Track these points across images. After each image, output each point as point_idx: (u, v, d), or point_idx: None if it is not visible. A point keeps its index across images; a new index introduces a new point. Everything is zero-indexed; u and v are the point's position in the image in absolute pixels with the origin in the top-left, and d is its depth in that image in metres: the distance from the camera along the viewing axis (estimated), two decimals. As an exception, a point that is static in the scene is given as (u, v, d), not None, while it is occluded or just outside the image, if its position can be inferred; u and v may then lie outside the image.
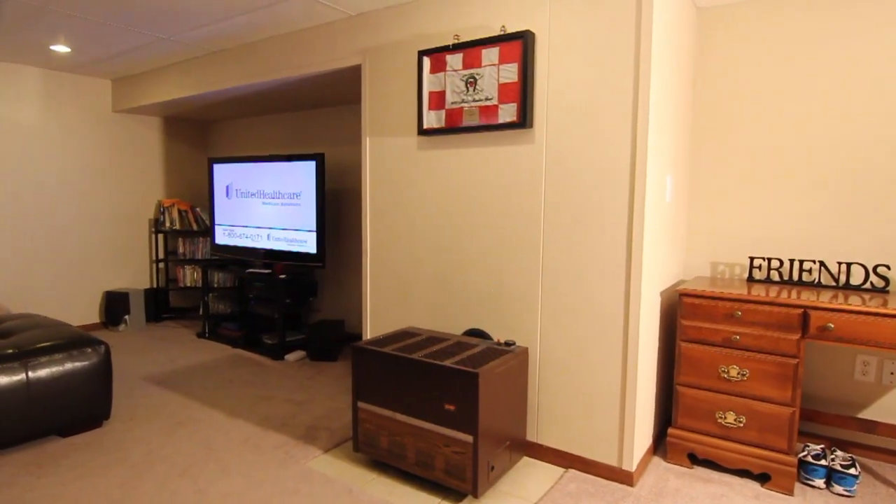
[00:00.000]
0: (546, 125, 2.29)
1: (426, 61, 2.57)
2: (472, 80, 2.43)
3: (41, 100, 4.27)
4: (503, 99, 2.35)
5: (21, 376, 2.36)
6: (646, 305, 2.19)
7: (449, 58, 2.50)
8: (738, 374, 2.22)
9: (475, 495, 2.02)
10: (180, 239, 5.05)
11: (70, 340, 2.59)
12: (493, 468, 2.10)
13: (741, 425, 2.23)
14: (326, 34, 3.03)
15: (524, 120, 2.29)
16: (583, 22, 2.17)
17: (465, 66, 2.45)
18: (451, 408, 2.03)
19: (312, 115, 4.58)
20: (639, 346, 2.14)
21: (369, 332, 2.96)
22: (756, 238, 2.61)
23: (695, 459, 2.39)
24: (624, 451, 2.20)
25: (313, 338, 3.89)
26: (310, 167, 3.88)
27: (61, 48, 3.63)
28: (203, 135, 5.49)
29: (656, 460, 2.43)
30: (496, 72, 2.36)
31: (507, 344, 2.31)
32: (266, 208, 4.19)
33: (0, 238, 4.11)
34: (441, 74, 2.53)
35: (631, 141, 2.10)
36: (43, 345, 2.50)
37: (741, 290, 2.26)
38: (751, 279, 2.55)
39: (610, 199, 2.16)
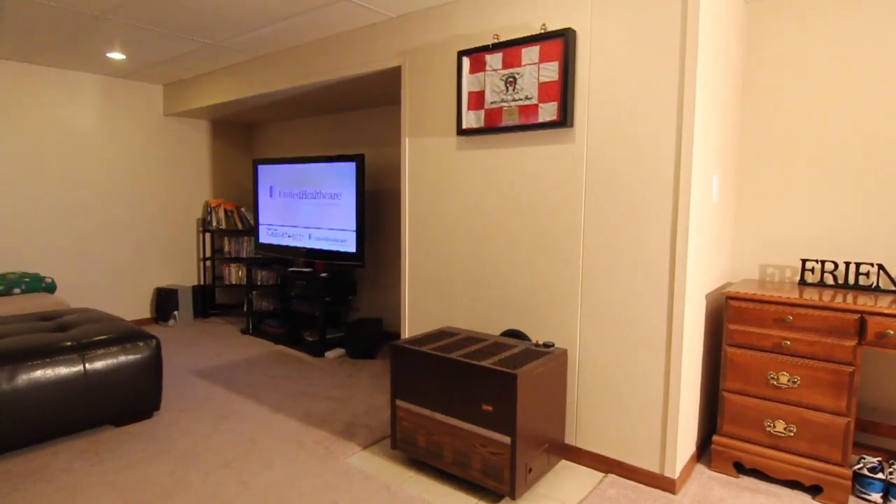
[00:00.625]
0: (587, 124, 2.26)
1: (465, 61, 2.57)
2: (511, 79, 2.42)
3: (98, 105, 4.49)
4: (543, 98, 2.33)
5: (79, 367, 2.49)
6: (690, 308, 2.13)
7: (488, 57, 2.49)
8: (789, 381, 2.13)
9: (512, 497, 2.01)
10: (226, 238, 5.22)
11: (124, 334, 2.71)
12: (530, 470, 2.08)
13: (791, 434, 2.14)
14: (367, 36, 3.07)
15: (565, 119, 2.27)
16: (626, 18, 2.13)
17: (505, 66, 2.44)
18: (489, 408, 2.03)
19: (352, 117, 4.65)
20: (682, 349, 2.08)
21: (407, 331, 2.99)
22: (808, 239, 2.50)
23: (741, 468, 2.31)
24: (666, 457, 2.14)
25: (352, 336, 3.95)
26: (350, 168, 3.95)
27: (117, 55, 3.80)
28: (248, 137, 5.65)
29: (700, 468, 2.36)
30: (536, 71, 2.34)
31: (546, 345, 2.29)
32: (307, 208, 4.28)
33: (60, 237, 4.34)
34: (480, 74, 2.52)
35: (676, 139, 2.04)
36: (99, 338, 2.63)
37: (792, 294, 2.17)
38: (802, 282, 2.44)
39: (653, 199, 2.11)
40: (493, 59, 2.48)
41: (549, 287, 2.41)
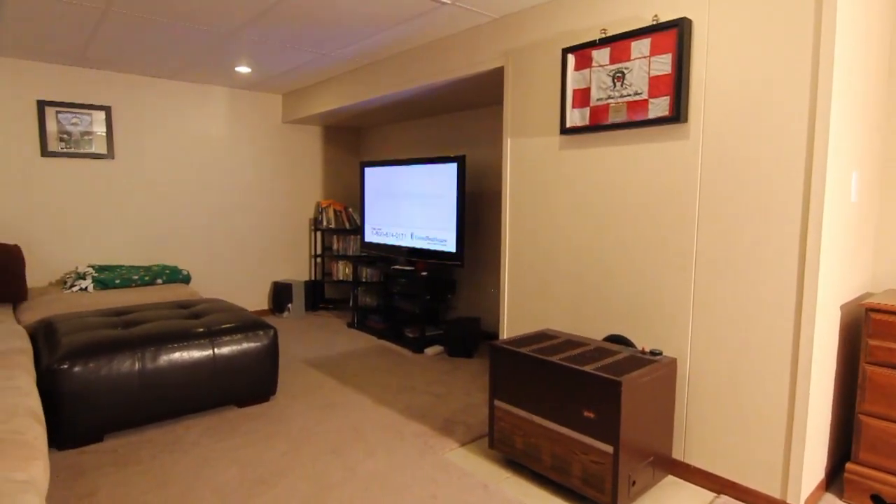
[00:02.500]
0: (702, 119, 2.12)
1: (570, 59, 2.51)
2: (619, 74, 2.33)
3: (226, 115, 4.96)
4: (654, 93, 2.22)
5: (209, 352, 2.77)
6: (821, 320, 1.92)
7: (595, 53, 2.42)
8: (947, 408, 1.85)
9: (614, 508, 1.94)
10: (335, 236, 5.53)
11: (247, 323, 2.97)
12: (634, 483, 1.99)
13: (949, 470, 1.86)
14: (469, 39, 3.10)
15: (678, 114, 2.14)
16: (749, 4, 1.97)
17: (613, 61, 2.35)
18: (591, 415, 1.97)
19: (453, 119, 4.73)
20: (811, 365, 1.89)
21: (506, 332, 2.99)
22: (975, 245, 2.16)
23: (879, 502, 2.04)
24: (790, 482, 1.95)
25: (451, 334, 4.02)
26: (451, 169, 4.02)
27: (244, 69, 4.17)
28: (356, 140, 5.95)
29: (830, 498, 2.12)
30: (647, 64, 2.23)
31: (653, 353, 2.18)
32: (410, 208, 4.41)
33: (194, 235, 4.85)
34: (586, 71, 2.46)
35: (807, 133, 1.85)
36: (226, 326, 2.90)
37: (953, 308, 1.89)
38: (966, 295, 2.11)
39: (780, 198, 1.93)
40: (600, 55, 2.40)
41: (658, 292, 2.29)
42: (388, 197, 4.65)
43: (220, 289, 5.06)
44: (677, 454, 2.27)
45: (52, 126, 4.07)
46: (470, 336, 4.00)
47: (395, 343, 4.37)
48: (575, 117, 2.52)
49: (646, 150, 2.30)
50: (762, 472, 2.03)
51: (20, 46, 3.61)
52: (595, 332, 2.54)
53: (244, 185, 5.12)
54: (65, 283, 3.92)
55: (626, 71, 2.30)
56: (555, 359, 2.11)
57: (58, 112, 4.09)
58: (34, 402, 1.88)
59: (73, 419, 2.42)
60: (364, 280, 5.11)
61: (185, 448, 2.49)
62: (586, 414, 1.99)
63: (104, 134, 4.29)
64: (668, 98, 2.17)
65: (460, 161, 3.95)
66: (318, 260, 5.67)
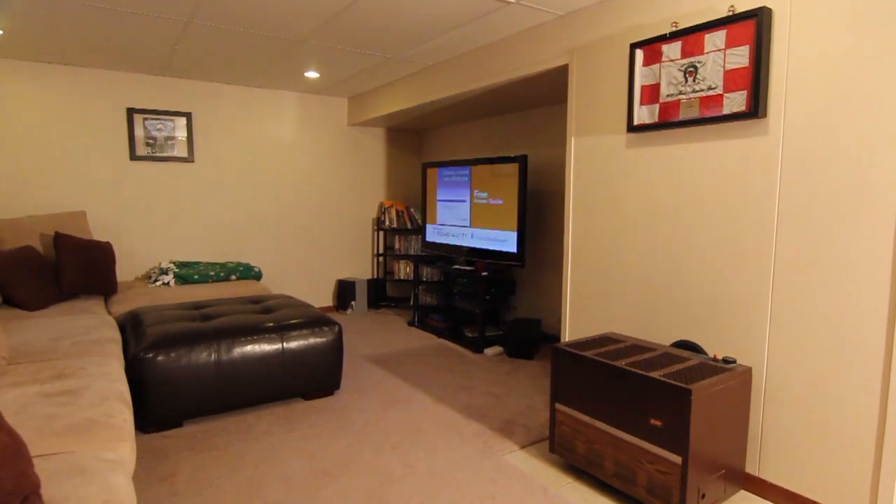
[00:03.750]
0: (783, 113, 1.99)
1: (639, 54, 2.43)
2: (691, 69, 2.23)
3: (295, 119, 5.16)
4: (729, 87, 2.11)
5: (279, 346, 2.89)
6: (920, 331, 1.76)
7: (665, 47, 2.33)
8: None
9: (682, 521, 1.86)
10: (397, 236, 5.63)
11: (313, 319, 3.08)
12: (703, 496, 1.90)
13: None
14: (533, 37, 3.07)
15: (756, 109, 2.02)
16: (839, -11, 1.83)
17: (684, 55, 2.26)
18: (658, 423, 1.90)
19: (515, 118, 4.69)
20: (908, 379, 1.73)
21: (568, 335, 2.93)
22: None
23: None
24: (880, 505, 1.80)
25: (511, 335, 3.99)
26: (512, 169, 3.99)
27: (312, 74, 4.33)
28: (418, 142, 6.03)
29: (929, 525, 1.94)
30: (721, 58, 2.13)
31: (726, 361, 2.07)
32: (471, 209, 4.42)
33: (265, 233, 5.08)
34: (655, 66, 2.37)
35: (905, 127, 1.70)
36: (295, 321, 3.02)
37: None
38: None
39: (872, 199, 1.78)
40: (671, 49, 2.31)
41: (732, 297, 2.18)
42: (449, 197, 4.68)
43: (288, 285, 5.27)
44: (751, 468, 2.15)
45: (139, 132, 4.39)
46: (530, 338, 3.95)
47: (454, 342, 4.39)
48: (643, 114, 2.43)
49: (719, 148, 2.19)
50: (846, 492, 1.88)
51: (113, 59, 3.91)
52: (662, 336, 2.45)
53: (311, 186, 5.31)
54: (149, 277, 4.21)
55: (698, 65, 2.21)
56: (620, 363, 2.05)
57: (145, 119, 4.40)
58: (123, 388, 2.03)
59: (157, 405, 2.60)
60: (424, 279, 5.17)
61: (256, 436, 2.61)
62: (653, 422, 1.92)
63: (185, 139, 4.58)
64: (744, 92, 2.06)
65: (522, 161, 3.92)
66: (381, 259, 5.79)
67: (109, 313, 3.46)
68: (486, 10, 2.84)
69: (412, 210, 5.63)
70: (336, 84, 4.71)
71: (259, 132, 4.97)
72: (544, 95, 3.89)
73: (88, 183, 4.25)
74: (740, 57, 2.07)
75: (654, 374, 1.92)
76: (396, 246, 5.64)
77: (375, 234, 5.76)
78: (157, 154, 4.48)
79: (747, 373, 2.06)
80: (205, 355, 2.69)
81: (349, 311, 5.39)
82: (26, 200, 4.05)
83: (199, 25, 3.13)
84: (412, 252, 5.56)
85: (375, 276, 5.80)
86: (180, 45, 3.51)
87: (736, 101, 2.09)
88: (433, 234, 4.91)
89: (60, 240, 3.58)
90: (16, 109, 3.96)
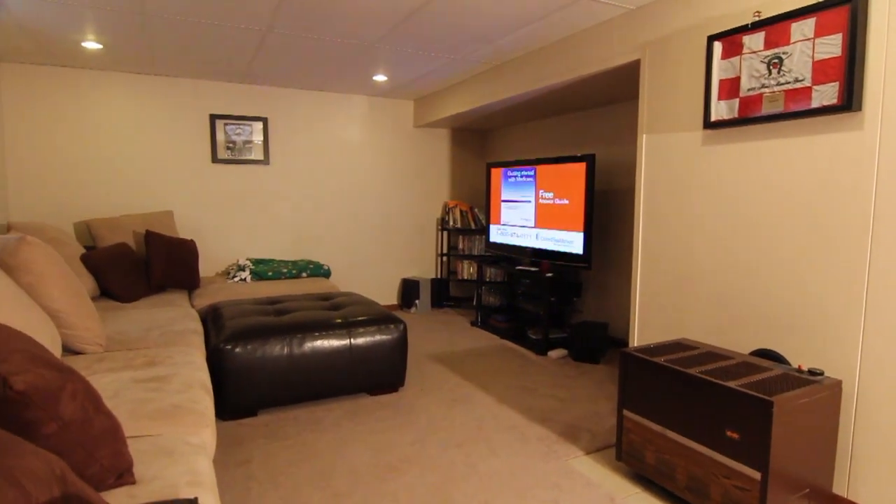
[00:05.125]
0: (881, 106, 1.83)
1: (717, 46, 2.32)
2: (776, 60, 2.09)
3: (363, 121, 5.30)
4: (819, 79, 1.96)
5: (347, 341, 2.98)
6: None
7: (746, 39, 2.21)
8: None
9: (760, 541, 1.76)
10: (460, 236, 5.66)
11: (379, 317, 3.15)
12: (785, 515, 1.79)
13: None
14: (602, 33, 2.99)
15: (849, 102, 1.88)
16: (950, -33, 1.66)
17: (768, 46, 2.13)
18: (735, 436, 1.80)
19: (581, 117, 4.59)
20: None
21: (637, 339, 2.84)
22: None
23: None
24: None
25: (576, 338, 3.91)
26: (579, 168, 3.91)
27: (380, 77, 4.43)
28: (482, 142, 6.03)
29: None
30: (810, 48, 1.99)
31: (812, 372, 1.93)
32: (536, 209, 4.37)
33: (333, 232, 5.25)
34: (735, 59, 2.25)
35: None
36: (361, 318, 3.10)
37: None
38: None
39: None
40: (753, 40, 2.18)
41: (819, 304, 2.03)
42: (513, 197, 4.65)
43: (355, 283, 5.42)
44: (839, 489, 1.99)
45: (220, 136, 4.66)
46: (596, 341, 3.86)
47: (517, 344, 4.36)
48: (721, 110, 2.32)
49: (806, 144, 2.04)
50: (956, 522, 1.71)
51: (198, 68, 4.17)
52: (739, 345, 2.32)
53: (378, 186, 5.43)
54: (228, 273, 4.46)
55: (784, 56, 2.07)
56: (694, 371, 1.96)
57: (225, 124, 4.67)
58: (205, 377, 2.17)
59: (233, 394, 2.75)
60: (488, 280, 5.16)
61: (325, 428, 2.71)
62: (729, 434, 1.82)
63: (262, 142, 4.82)
64: (836, 84, 1.92)
65: (589, 160, 3.83)
66: (444, 259, 5.84)
67: (192, 306, 3.69)
68: (554, 8, 2.80)
69: (476, 210, 5.63)
70: (403, 86, 4.80)
71: (329, 135, 5.14)
72: (613, 92, 3.79)
73: (175, 184, 4.57)
74: (832, 46, 1.92)
75: (732, 384, 1.82)
76: (460, 246, 5.66)
77: (439, 234, 5.81)
78: (236, 157, 4.74)
79: (836, 386, 1.91)
80: (278, 348, 2.81)
81: (413, 309, 5.47)
82: (121, 200, 4.41)
83: (278, 34, 3.29)
84: (476, 252, 5.56)
85: (439, 276, 5.85)
86: (259, 53, 3.70)
87: (826, 94, 1.95)
88: (497, 235, 4.89)
89: (151, 237, 3.86)
90: (113, 117, 4.32)
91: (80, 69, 4.17)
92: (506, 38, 3.32)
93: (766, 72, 2.13)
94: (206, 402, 1.91)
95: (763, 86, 2.15)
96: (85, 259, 3.49)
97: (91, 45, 3.53)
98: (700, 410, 1.92)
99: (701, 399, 1.92)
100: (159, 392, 1.87)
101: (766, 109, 2.14)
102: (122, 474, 1.29)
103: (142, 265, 3.80)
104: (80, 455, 1.19)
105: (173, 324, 2.85)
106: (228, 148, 4.70)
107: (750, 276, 2.26)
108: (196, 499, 0.86)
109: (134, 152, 4.41)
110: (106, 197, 4.35)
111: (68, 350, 2.32)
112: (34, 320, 1.99)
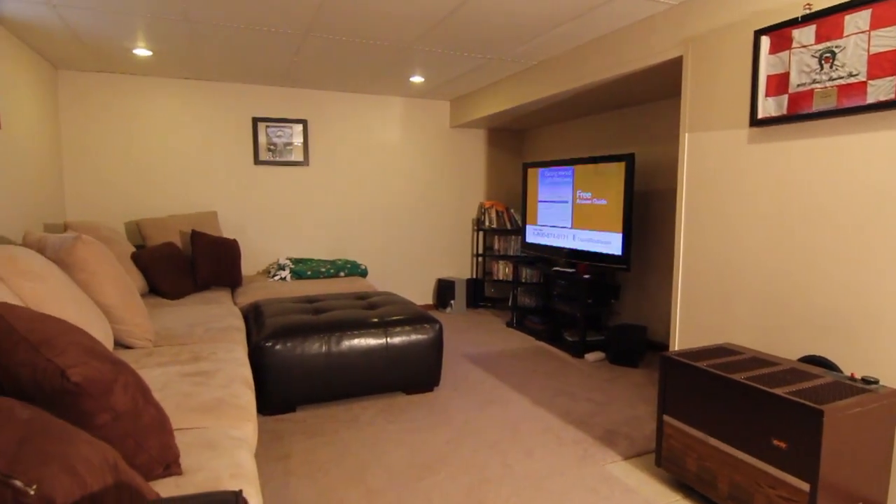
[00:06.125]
0: (946, 101, 1.73)
1: (764, 41, 2.24)
2: (828, 54, 2.01)
3: (400, 122, 5.34)
4: (875, 73, 1.87)
5: (383, 340, 3.01)
6: None
7: (796, 32, 2.12)
8: None
9: (809, 555, 1.69)
10: (496, 237, 5.64)
11: (415, 316, 3.17)
12: (836, 529, 1.71)
13: None
14: (644, 29, 2.93)
15: (909, 97, 1.78)
16: None
17: (819, 40, 2.04)
18: (781, 445, 1.74)
19: (620, 116, 4.50)
20: None
21: (677, 343, 2.77)
22: None
23: None
24: None
25: (613, 340, 3.84)
26: (618, 168, 3.84)
27: (417, 78, 4.46)
28: (518, 142, 5.99)
29: None
30: (865, 40, 1.90)
31: (866, 381, 1.84)
32: (573, 209, 4.32)
33: (370, 232, 5.32)
34: (784, 53, 2.16)
35: None
36: (397, 318, 3.13)
37: None
38: None
39: None
40: (803, 34, 2.10)
41: (875, 310, 1.93)
42: (550, 197, 4.60)
43: (391, 283, 5.48)
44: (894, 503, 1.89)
45: (262, 138, 4.79)
46: (635, 344, 3.78)
47: (553, 345, 4.31)
48: (769, 107, 2.23)
49: (861, 141, 1.95)
50: None
51: (241, 72, 4.30)
52: (786, 350, 2.23)
53: (414, 187, 5.47)
54: (268, 272, 4.58)
55: (836, 50, 1.98)
56: (739, 377, 1.90)
57: (267, 126, 4.79)
58: (247, 372, 2.23)
59: (273, 390, 2.82)
60: (523, 280, 5.12)
61: (361, 426, 2.75)
62: (776, 443, 1.76)
63: (301, 144, 4.92)
64: (893, 79, 1.82)
65: (629, 159, 3.76)
66: (480, 259, 5.83)
67: (235, 304, 3.80)
68: (593, 5, 2.76)
69: (512, 211, 5.60)
70: (439, 87, 4.82)
71: (367, 136, 5.21)
72: (653, 90, 3.70)
73: (219, 185, 4.71)
74: (889, 39, 1.83)
75: (779, 391, 1.76)
76: (496, 246, 5.64)
77: (475, 234, 5.81)
78: (277, 159, 4.86)
79: (891, 396, 1.82)
80: (316, 346, 2.87)
81: (448, 309, 5.48)
82: (168, 201, 4.58)
83: (316, 37, 3.35)
84: (511, 253, 5.53)
85: (474, 276, 5.85)
86: (299, 57, 3.78)
87: (883, 89, 1.85)
88: (533, 235, 4.85)
89: (196, 237, 4.00)
90: (161, 121, 4.49)
91: (130, 75, 4.36)
92: (543, 36, 3.29)
93: (818, 66, 2.05)
94: (248, 397, 1.96)
95: (814, 81, 2.06)
96: (135, 257, 3.65)
97: (141, 51, 3.68)
98: (745, 418, 1.86)
99: (746, 406, 1.85)
100: (204, 386, 1.94)
101: (817, 106, 2.05)
102: (170, 465, 1.34)
103: (188, 264, 3.93)
104: (131, 445, 1.24)
105: (217, 321, 2.94)
106: (270, 150, 4.82)
107: (798, 281, 2.18)
108: (241, 491, 0.88)
109: (180, 155, 4.58)
110: (154, 198, 4.53)
111: (119, 344, 2.43)
112: (89, 315, 2.09)
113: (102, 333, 2.14)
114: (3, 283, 1.83)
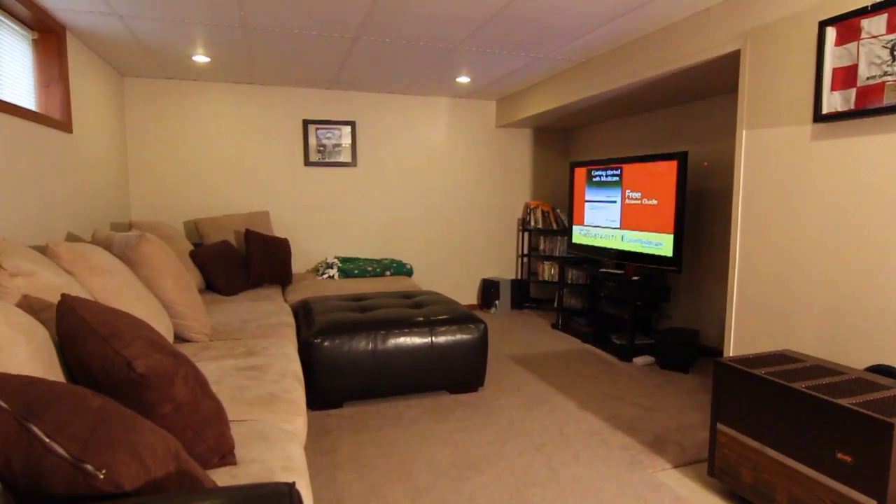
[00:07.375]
0: None
1: (830, 32, 2.12)
2: (902, 45, 1.88)
3: (446, 122, 5.36)
4: (956, 64, 1.74)
5: (428, 339, 3.04)
6: None
7: (865, 22, 2.00)
8: None
9: (876, 577, 1.59)
10: (541, 237, 5.58)
11: (460, 316, 3.18)
12: (907, 551, 1.60)
13: None
14: (697, 24, 2.83)
15: None
16: None
17: (891, 30, 1.92)
18: (846, 458, 1.64)
19: (671, 113, 4.37)
20: None
21: (732, 349, 2.66)
22: None
23: None
24: None
25: (664, 345, 3.73)
26: (669, 167, 3.72)
27: (463, 79, 4.46)
28: (565, 141, 5.91)
29: None
30: (946, 29, 1.77)
31: (943, 393, 1.72)
32: (622, 209, 4.22)
33: (416, 232, 5.37)
34: (852, 45, 2.05)
35: None
36: (442, 317, 3.15)
37: None
38: None
39: None
40: (873, 24, 1.97)
41: (953, 316, 1.80)
42: (598, 197, 4.51)
43: (436, 282, 5.51)
44: (978, 528, 1.76)
45: (312, 140, 4.91)
46: (686, 349, 3.66)
47: (600, 348, 4.23)
48: (835, 101, 2.12)
49: (941, 137, 1.82)
50: None
51: (292, 76, 4.42)
52: (852, 359, 2.11)
53: (460, 187, 5.48)
54: (317, 270, 4.69)
55: (912, 40, 1.86)
56: (800, 386, 1.81)
57: (317, 128, 4.91)
58: (297, 368, 2.30)
59: (322, 385, 2.89)
60: (570, 282, 5.05)
61: (406, 424, 2.78)
62: (840, 456, 1.66)
63: (350, 145, 5.02)
64: (979, 68, 1.69)
65: (681, 158, 3.64)
66: (525, 260, 5.78)
67: (285, 301, 3.92)
68: (645, 0, 2.69)
69: (558, 211, 5.53)
70: (485, 87, 4.81)
71: (413, 137, 5.26)
72: (706, 86, 3.57)
73: (271, 186, 4.87)
74: (974, 26, 1.70)
75: (845, 402, 1.66)
76: (541, 247, 5.58)
77: (520, 234, 5.77)
78: (326, 160, 4.98)
79: (975, 411, 1.69)
80: (363, 344, 2.92)
81: (493, 310, 5.46)
82: (223, 201, 4.76)
83: (366, 41, 3.41)
84: (557, 253, 5.46)
85: (519, 277, 5.80)
86: (348, 60, 3.86)
87: (966, 80, 1.72)
88: (580, 236, 4.77)
89: (250, 236, 4.15)
90: (217, 125, 4.68)
91: (190, 81, 4.56)
92: (592, 34, 3.23)
93: (890, 58, 1.93)
94: (299, 392, 2.02)
95: (885, 73, 1.94)
96: (193, 255, 3.81)
97: (200, 58, 3.84)
98: (806, 429, 1.77)
99: (808, 417, 1.76)
100: (257, 380, 2.01)
101: (888, 99, 1.93)
102: (225, 455, 1.40)
103: (241, 261, 4.08)
104: (190, 435, 1.30)
105: (269, 317, 3.04)
106: (319, 151, 4.94)
107: (865, 285, 2.05)
108: (294, 483, 0.91)
109: (235, 157, 4.76)
110: (211, 198, 4.72)
111: (178, 338, 2.55)
112: (151, 310, 2.20)
113: (164, 327, 2.25)
114: (75, 279, 1.96)
